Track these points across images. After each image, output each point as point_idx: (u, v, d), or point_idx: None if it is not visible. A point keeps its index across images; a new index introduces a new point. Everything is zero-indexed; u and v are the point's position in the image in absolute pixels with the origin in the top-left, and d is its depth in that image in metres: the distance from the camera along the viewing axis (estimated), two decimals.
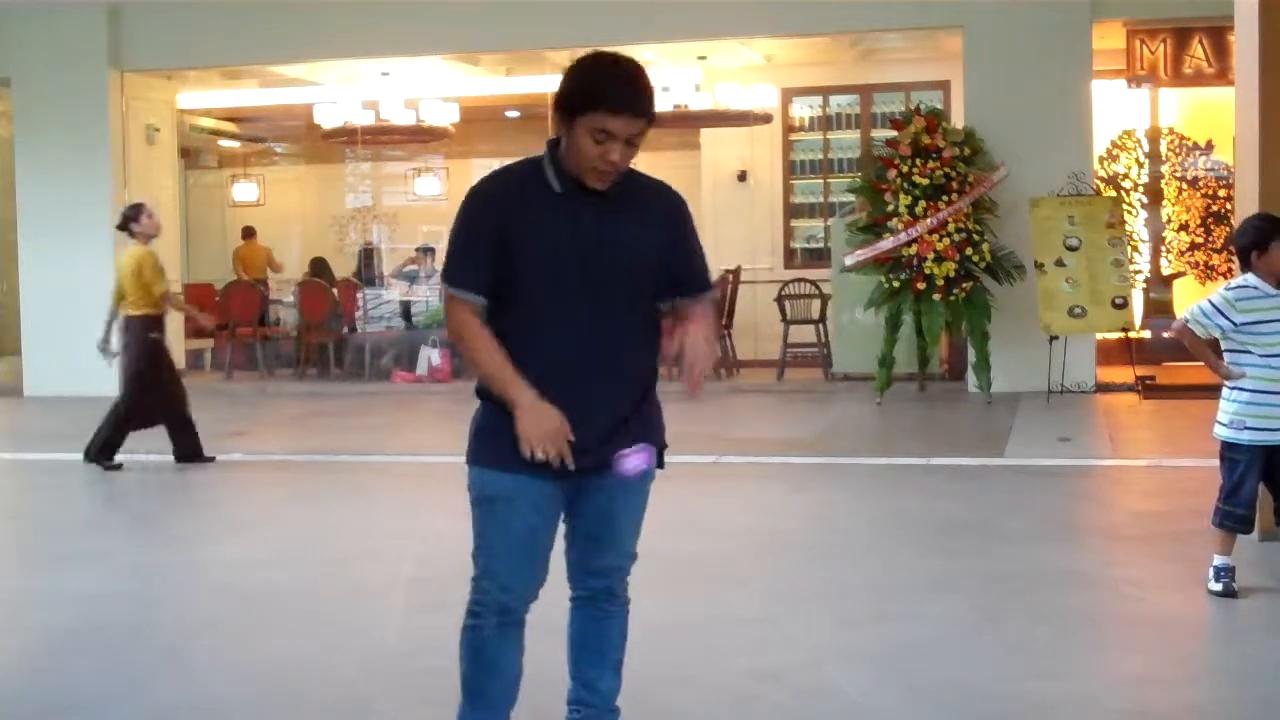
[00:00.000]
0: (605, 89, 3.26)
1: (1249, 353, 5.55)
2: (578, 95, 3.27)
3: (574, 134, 3.28)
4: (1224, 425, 5.64)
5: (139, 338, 9.50)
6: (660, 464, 3.61)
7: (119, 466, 9.60)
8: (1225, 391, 5.66)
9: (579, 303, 3.36)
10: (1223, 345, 5.67)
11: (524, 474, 3.38)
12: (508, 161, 3.49)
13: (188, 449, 9.75)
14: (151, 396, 9.60)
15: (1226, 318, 5.55)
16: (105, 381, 14.62)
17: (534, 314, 3.38)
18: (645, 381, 3.54)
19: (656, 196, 3.53)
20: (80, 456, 9.66)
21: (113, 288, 9.66)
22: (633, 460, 3.43)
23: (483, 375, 3.42)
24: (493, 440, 3.41)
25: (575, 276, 3.35)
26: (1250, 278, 5.57)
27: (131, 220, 9.57)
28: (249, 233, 18.88)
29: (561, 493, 3.46)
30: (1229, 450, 5.65)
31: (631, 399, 3.49)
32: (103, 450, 9.58)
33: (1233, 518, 5.63)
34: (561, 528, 3.58)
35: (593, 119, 3.24)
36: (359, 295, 15.84)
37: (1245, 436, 5.57)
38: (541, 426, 3.31)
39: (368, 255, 18.28)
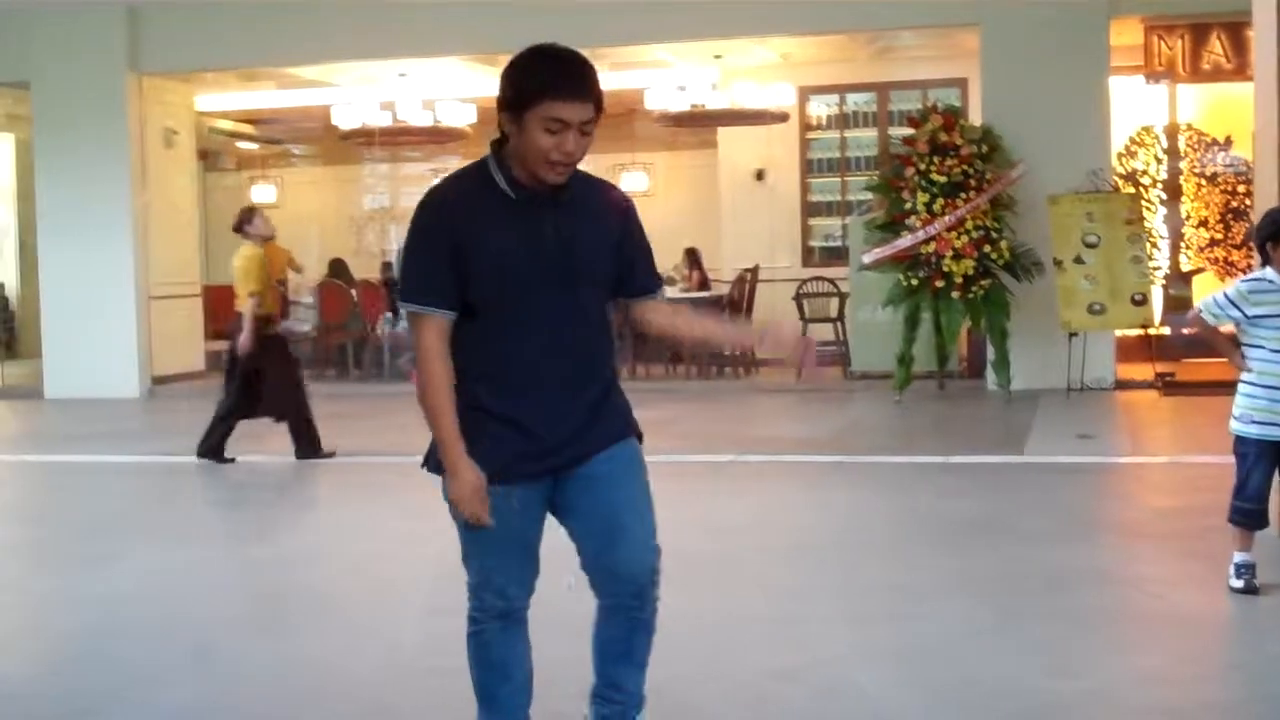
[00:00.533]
0: (552, 78, 3.22)
1: (1262, 347, 5.54)
2: (524, 88, 3.23)
3: (525, 129, 3.23)
4: (1235, 419, 5.64)
5: (253, 335, 9.76)
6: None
7: (330, 454, 9.94)
8: (1239, 386, 5.66)
9: (543, 308, 3.32)
10: (1240, 339, 5.66)
11: (499, 485, 3.36)
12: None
13: (216, 446, 9.85)
14: (287, 383, 9.93)
15: (1239, 309, 5.55)
16: (125, 383, 14.77)
17: (497, 322, 3.33)
18: (607, 380, 3.51)
19: (606, 194, 3.50)
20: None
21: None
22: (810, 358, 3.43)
23: (427, 415, 3.36)
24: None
25: (538, 283, 3.31)
26: (1268, 271, 5.56)
27: (245, 223, 10.03)
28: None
29: (544, 493, 3.44)
30: (1239, 444, 5.65)
31: (596, 398, 3.45)
32: (308, 448, 9.89)
33: (1242, 512, 5.62)
34: (570, 545, 3.54)
35: (543, 109, 3.20)
36: (392, 296, 15.85)
37: (1253, 431, 5.57)
38: (456, 491, 3.33)
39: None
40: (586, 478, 3.44)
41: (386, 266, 17.77)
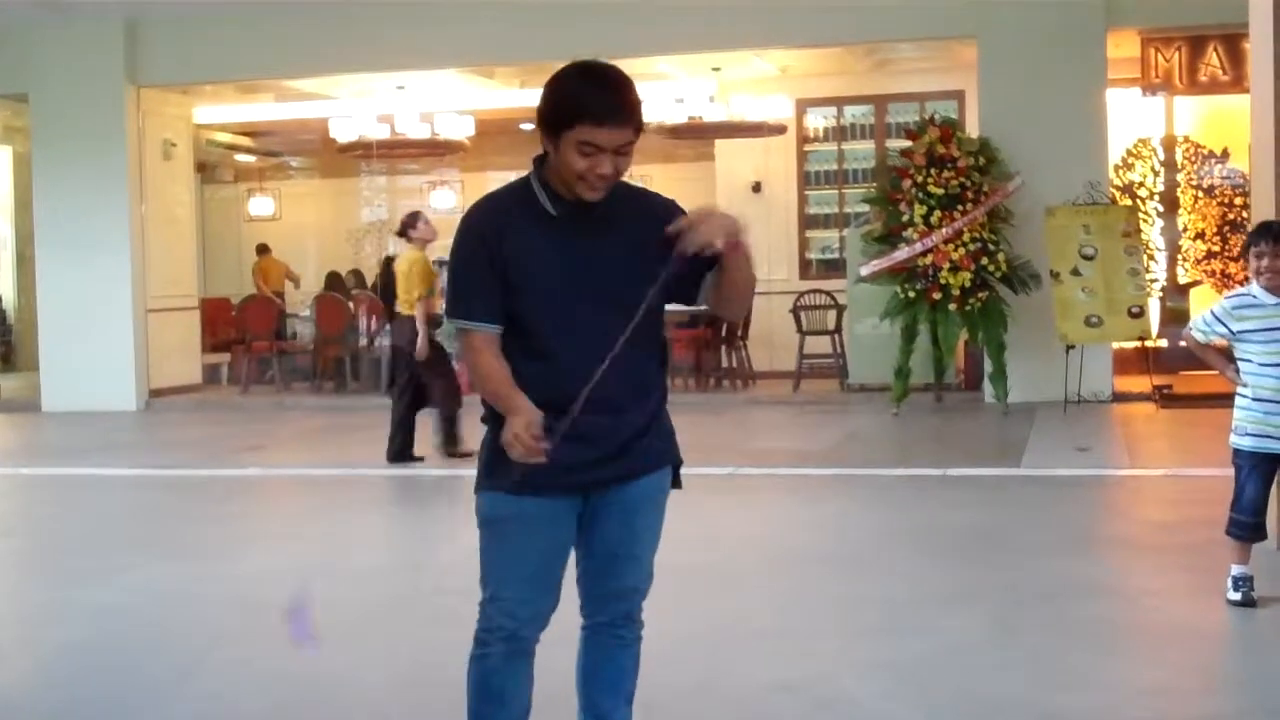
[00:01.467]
0: (587, 101, 3.15)
1: (1250, 361, 5.58)
2: (560, 109, 3.18)
3: (560, 149, 3.19)
4: (1232, 431, 5.67)
5: (414, 337, 10.04)
6: (677, 484, 3.53)
7: (469, 453, 9.84)
8: (1235, 399, 5.69)
9: (583, 326, 3.26)
10: (1234, 352, 5.69)
11: (532, 496, 3.31)
12: (524, 174, 3.40)
13: (450, 441, 10.23)
14: (436, 384, 10.23)
15: (1225, 326, 5.61)
16: (122, 396, 14.76)
17: (539, 340, 3.29)
18: (655, 396, 3.47)
19: (648, 203, 3.42)
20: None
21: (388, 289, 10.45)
22: None
23: (485, 390, 3.33)
24: (501, 464, 3.32)
25: (577, 300, 3.26)
26: (1252, 286, 5.62)
27: (409, 227, 10.26)
28: (263, 249, 18.96)
29: (574, 514, 3.39)
30: (1235, 457, 5.68)
31: (644, 415, 3.41)
32: (449, 440, 10.19)
33: (1238, 524, 5.63)
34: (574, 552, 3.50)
35: (578, 133, 3.14)
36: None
37: (1247, 443, 5.61)
38: (514, 425, 3.19)
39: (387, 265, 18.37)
40: (616, 500, 3.40)
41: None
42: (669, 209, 3.38)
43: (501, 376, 3.30)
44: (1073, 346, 12.32)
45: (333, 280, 17.58)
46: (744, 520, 7.94)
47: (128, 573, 6.94)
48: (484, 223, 3.33)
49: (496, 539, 3.40)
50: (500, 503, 3.36)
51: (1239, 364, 5.65)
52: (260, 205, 20.75)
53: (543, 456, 3.20)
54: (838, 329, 14.50)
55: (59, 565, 7.40)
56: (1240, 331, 5.57)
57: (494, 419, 3.39)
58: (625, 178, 3.34)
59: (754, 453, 10.33)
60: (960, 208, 12.11)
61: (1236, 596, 5.58)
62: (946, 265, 12.00)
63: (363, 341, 15.69)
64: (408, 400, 10.18)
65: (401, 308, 10.17)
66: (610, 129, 3.16)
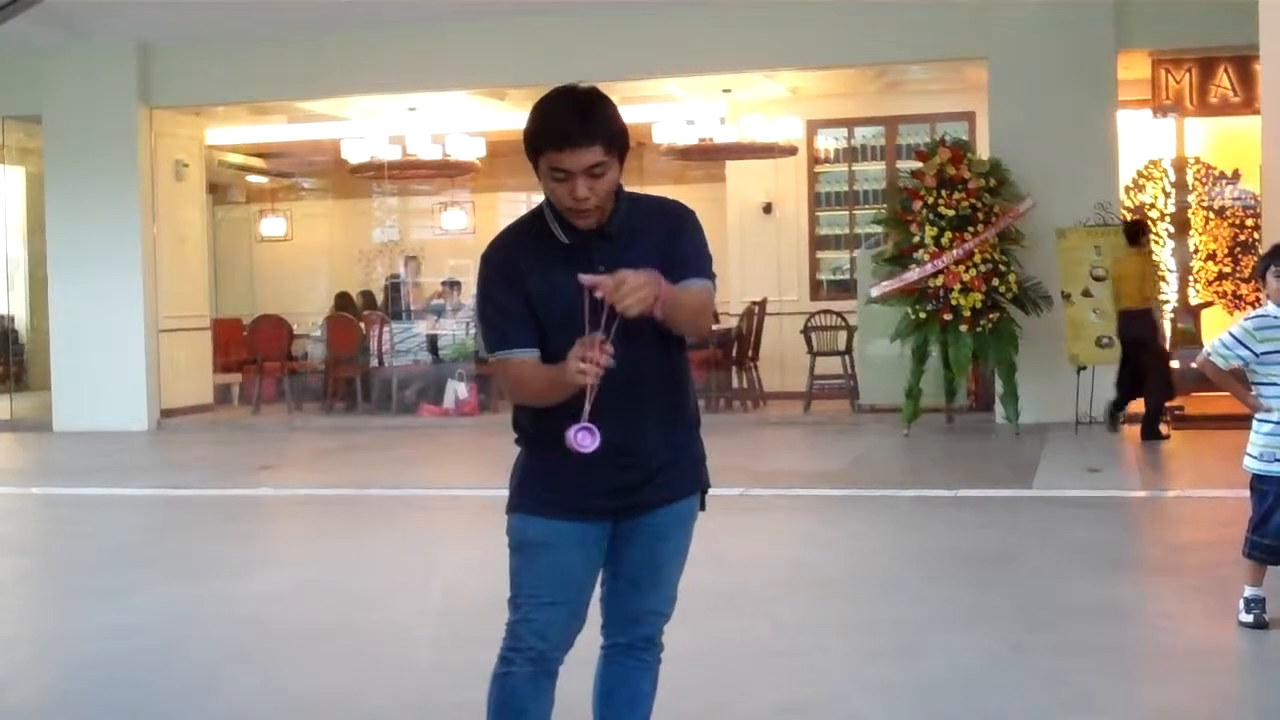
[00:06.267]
0: (546, 126, 3.16)
1: (1275, 384, 5.51)
2: (528, 140, 3.20)
3: (540, 178, 3.20)
4: (1253, 457, 5.59)
5: (1150, 324, 11.68)
6: (702, 506, 3.50)
7: (1167, 437, 11.66)
8: (1254, 423, 5.62)
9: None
10: (1250, 377, 5.63)
11: (566, 520, 3.31)
12: (534, 196, 3.39)
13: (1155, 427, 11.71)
14: (1167, 373, 11.89)
15: (1247, 348, 5.53)
16: (133, 416, 14.79)
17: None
18: (685, 420, 3.44)
19: (663, 217, 3.37)
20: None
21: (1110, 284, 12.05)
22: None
23: (541, 396, 3.26)
24: (533, 487, 3.33)
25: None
26: (1270, 307, 5.56)
27: (1142, 233, 12.04)
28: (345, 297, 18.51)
29: (604, 537, 3.38)
30: (1258, 482, 5.60)
31: (673, 439, 3.38)
32: (1151, 426, 11.67)
33: (1261, 548, 5.59)
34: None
35: (546, 159, 3.15)
36: (383, 329, 15.83)
37: (1276, 469, 5.52)
38: (572, 366, 3.09)
39: (394, 290, 18.38)
40: (643, 527, 3.39)
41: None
42: (679, 215, 3.36)
43: (539, 368, 3.24)
44: (1084, 367, 12.31)
45: (343, 300, 17.59)
46: (755, 541, 7.93)
47: (139, 592, 6.95)
48: (505, 260, 3.32)
49: (528, 561, 3.37)
50: (533, 525, 3.35)
51: (1259, 388, 5.58)
52: (272, 226, 20.76)
53: (603, 363, 3.08)
54: (848, 350, 14.50)
55: (70, 585, 7.41)
56: (1264, 353, 5.52)
57: (528, 441, 3.39)
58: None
59: (764, 473, 10.32)
60: (971, 229, 12.11)
61: (1249, 618, 5.56)
62: (957, 286, 12.00)
63: (373, 362, 15.73)
64: (1152, 384, 11.67)
65: (1129, 303, 11.62)
66: (572, 151, 3.13)
